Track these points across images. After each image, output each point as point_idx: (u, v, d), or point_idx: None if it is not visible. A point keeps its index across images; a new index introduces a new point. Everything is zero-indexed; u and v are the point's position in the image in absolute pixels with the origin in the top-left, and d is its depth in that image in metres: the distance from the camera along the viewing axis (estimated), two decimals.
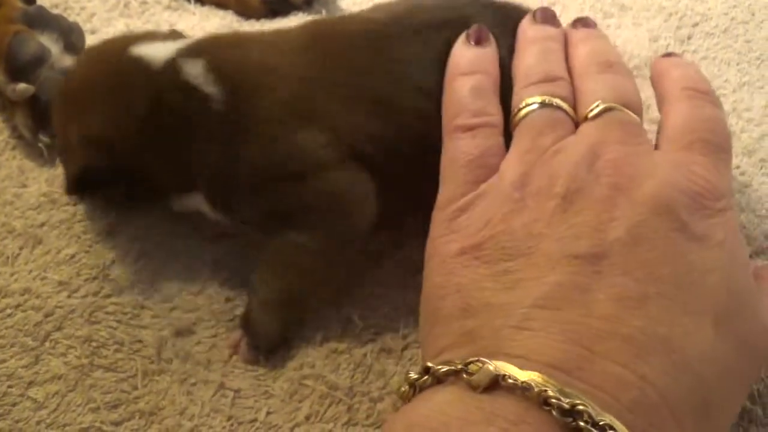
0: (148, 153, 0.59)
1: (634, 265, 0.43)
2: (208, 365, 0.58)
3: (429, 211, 0.55)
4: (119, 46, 0.61)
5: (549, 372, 0.38)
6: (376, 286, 0.62)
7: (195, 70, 0.58)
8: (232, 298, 0.62)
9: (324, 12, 0.79)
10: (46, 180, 0.69)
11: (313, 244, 0.57)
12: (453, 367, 0.41)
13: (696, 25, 0.81)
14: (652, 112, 0.73)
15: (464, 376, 0.40)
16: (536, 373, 0.38)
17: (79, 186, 0.61)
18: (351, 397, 0.56)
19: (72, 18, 0.80)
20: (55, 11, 0.80)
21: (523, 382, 0.38)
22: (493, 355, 0.40)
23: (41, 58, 0.70)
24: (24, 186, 0.69)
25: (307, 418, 0.55)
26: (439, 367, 0.41)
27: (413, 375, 0.43)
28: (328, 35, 0.61)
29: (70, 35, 0.74)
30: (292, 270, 0.58)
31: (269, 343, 0.58)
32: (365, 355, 0.58)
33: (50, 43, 0.72)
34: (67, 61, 0.72)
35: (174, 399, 0.56)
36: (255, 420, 0.55)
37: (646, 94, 0.75)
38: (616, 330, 0.40)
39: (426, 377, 0.43)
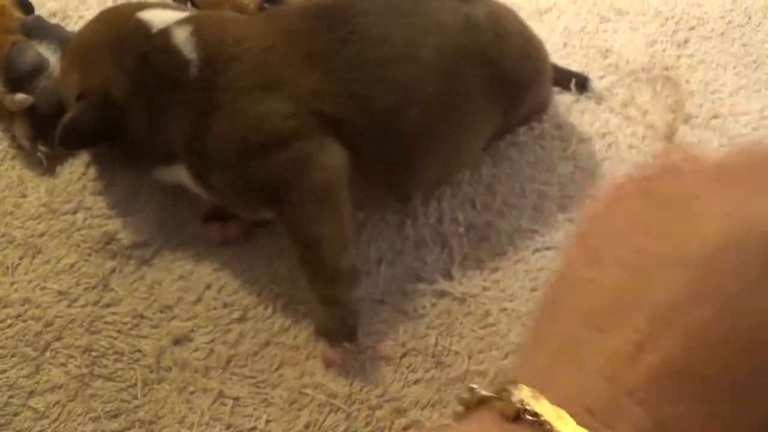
0: (134, 113, 0.60)
1: None
2: (206, 373, 0.58)
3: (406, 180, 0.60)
4: (131, 10, 0.64)
5: (579, 412, 0.38)
6: (373, 294, 0.62)
7: (182, 36, 0.61)
8: (230, 303, 0.62)
9: None
10: (46, 190, 0.69)
11: (296, 213, 0.57)
12: (489, 393, 0.40)
13: (692, 28, 0.82)
14: (649, 117, 0.74)
15: (497, 403, 0.39)
16: (558, 410, 0.37)
17: (68, 138, 0.62)
18: (350, 405, 0.56)
19: (70, 27, 0.80)
20: (53, 20, 0.80)
21: (541, 417, 0.37)
22: (533, 386, 0.39)
23: (39, 68, 0.71)
24: (23, 196, 0.69)
25: (306, 426, 0.55)
26: (480, 390, 0.41)
27: (464, 395, 0.43)
28: (295, 7, 0.65)
29: (67, 45, 0.74)
30: (311, 253, 0.58)
31: (352, 328, 0.58)
32: (364, 363, 0.58)
33: (48, 53, 0.72)
34: None
35: (173, 408, 0.57)
36: (254, 428, 0.55)
37: (644, 98, 0.76)
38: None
39: (472, 398, 0.42)
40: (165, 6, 0.67)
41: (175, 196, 0.67)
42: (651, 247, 0.38)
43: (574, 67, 0.76)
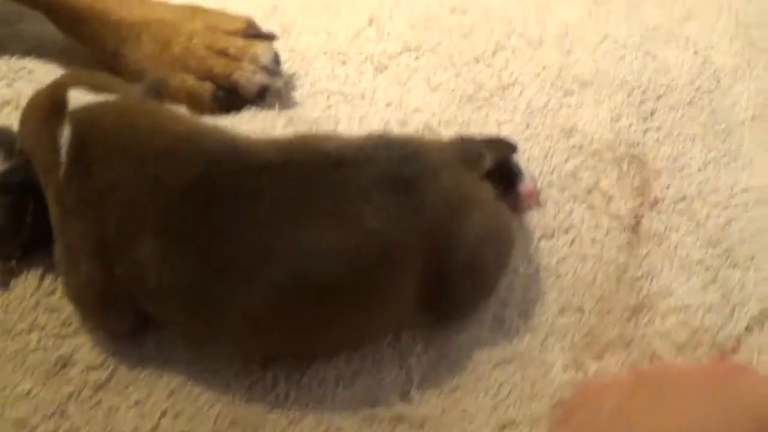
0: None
1: None
2: None
3: None
4: (72, 80, 0.67)
5: None
6: (330, 420, 0.60)
7: (66, 131, 0.63)
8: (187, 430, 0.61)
9: (277, 106, 0.77)
10: (0, 307, 0.68)
11: None
12: None
13: (660, 98, 0.79)
14: (614, 204, 0.72)
15: None
16: None
17: (2, 184, 0.68)
18: None
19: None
20: (6, 109, 0.79)
21: None
22: None
23: None
24: None
25: None
26: None
27: None
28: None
29: (13, 148, 0.72)
30: None
31: None
32: None
33: None
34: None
35: None
36: None
37: (609, 180, 0.74)
38: None
39: None
40: (92, 84, 0.66)
41: None
42: None
43: (537, 150, 0.74)
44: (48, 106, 0.66)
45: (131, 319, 0.64)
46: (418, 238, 0.57)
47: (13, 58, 0.85)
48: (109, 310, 0.64)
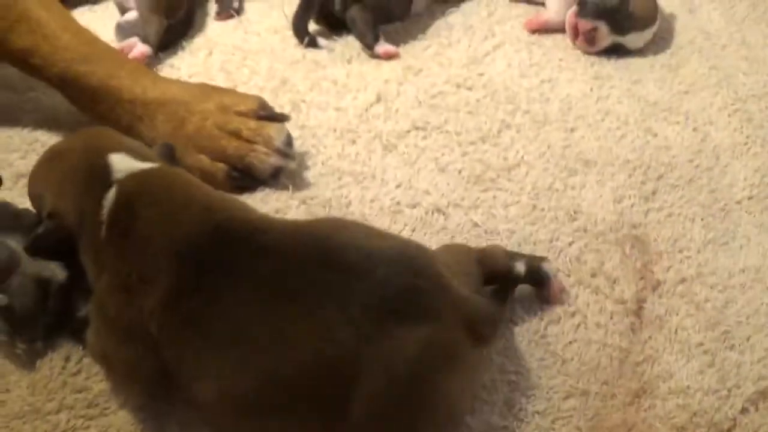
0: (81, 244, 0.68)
1: None
2: None
3: None
4: (108, 144, 0.70)
5: None
6: None
7: (111, 196, 0.67)
8: None
9: (291, 187, 0.79)
10: (28, 387, 0.69)
11: None
12: None
13: (660, 177, 0.82)
14: (618, 288, 0.74)
15: None
16: None
17: (34, 248, 0.70)
18: None
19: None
20: (22, 182, 0.80)
21: None
22: None
23: (11, 266, 0.70)
24: (6, 391, 0.69)
25: None
26: None
27: None
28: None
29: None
30: None
31: None
32: None
33: (18, 246, 0.71)
34: (37, 266, 0.71)
35: None
36: None
37: (613, 262, 0.76)
38: None
39: None
40: (134, 151, 0.70)
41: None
42: None
43: (543, 234, 0.76)
44: (88, 170, 0.69)
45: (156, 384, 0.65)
46: (379, 373, 0.56)
47: (26, 130, 0.87)
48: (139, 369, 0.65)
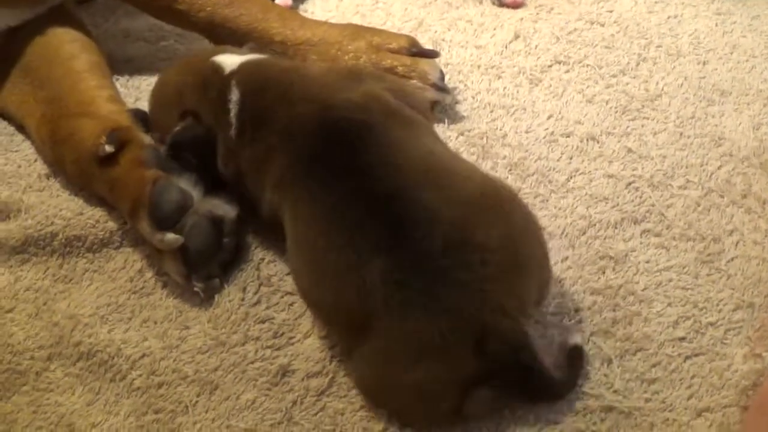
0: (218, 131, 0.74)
1: None
2: None
3: None
4: (205, 55, 0.79)
5: None
6: None
7: (233, 88, 0.74)
8: None
9: (446, 120, 0.81)
10: (209, 321, 0.71)
11: None
12: None
13: None
14: None
15: None
16: None
17: (175, 148, 0.76)
18: None
19: None
20: None
21: None
22: None
23: (184, 206, 0.72)
24: (186, 328, 0.71)
25: None
26: None
27: None
28: None
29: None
30: None
31: None
32: None
33: (189, 187, 0.73)
34: (208, 204, 0.73)
35: None
36: None
37: (760, 185, 0.79)
38: None
39: None
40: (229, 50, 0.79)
41: None
42: None
43: (693, 158, 0.79)
44: (201, 74, 0.75)
45: None
46: None
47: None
48: None
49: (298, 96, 0.70)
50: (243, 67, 0.74)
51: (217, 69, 0.75)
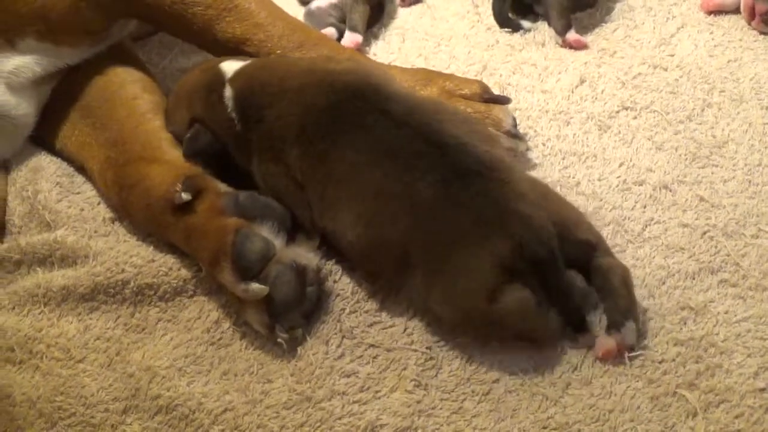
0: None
1: None
2: None
3: None
4: (214, 62, 0.86)
5: None
6: None
7: (228, 92, 0.81)
8: None
9: None
10: (292, 374, 0.70)
11: None
12: None
13: None
14: None
15: None
16: None
17: (192, 147, 0.81)
18: None
19: None
20: None
21: None
22: None
23: (268, 255, 0.71)
24: (269, 381, 0.70)
25: None
26: None
27: None
28: None
29: (285, 221, 0.74)
30: None
31: None
32: None
33: (272, 235, 0.72)
34: (291, 253, 0.72)
35: None
36: None
37: None
38: None
39: None
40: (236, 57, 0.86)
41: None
42: None
43: (763, 206, 0.79)
44: (206, 79, 0.81)
45: None
46: None
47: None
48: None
49: (302, 68, 0.79)
50: (242, 68, 0.81)
51: (218, 72, 0.81)
